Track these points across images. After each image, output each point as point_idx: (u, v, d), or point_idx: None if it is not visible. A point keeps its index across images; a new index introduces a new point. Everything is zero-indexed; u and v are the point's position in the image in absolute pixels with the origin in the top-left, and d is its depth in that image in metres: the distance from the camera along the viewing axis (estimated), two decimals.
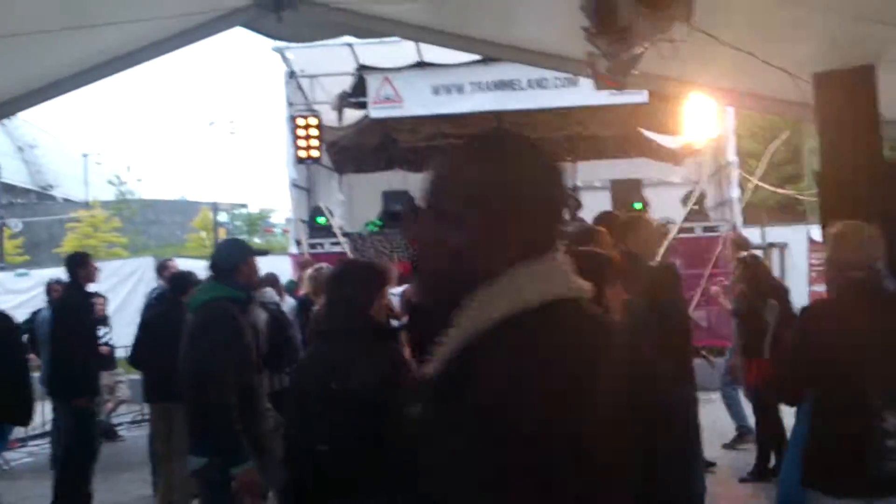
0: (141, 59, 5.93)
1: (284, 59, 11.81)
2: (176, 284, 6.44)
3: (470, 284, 1.19)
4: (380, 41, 10.34)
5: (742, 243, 7.48)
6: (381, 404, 2.84)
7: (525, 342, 1.09)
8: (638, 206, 10.92)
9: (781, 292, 6.52)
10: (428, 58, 11.14)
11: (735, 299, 6.82)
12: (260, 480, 3.56)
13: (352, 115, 12.21)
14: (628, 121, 11.53)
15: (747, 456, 6.80)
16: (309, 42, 10.55)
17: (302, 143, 11.51)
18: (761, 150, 13.08)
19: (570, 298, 1.18)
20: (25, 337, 7.01)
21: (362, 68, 11.55)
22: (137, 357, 6.41)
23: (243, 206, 47.60)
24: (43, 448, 8.69)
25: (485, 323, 1.14)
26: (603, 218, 4.88)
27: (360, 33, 9.47)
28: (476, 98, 11.39)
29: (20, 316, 7.28)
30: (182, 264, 8.76)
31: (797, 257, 12.92)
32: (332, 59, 11.46)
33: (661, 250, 9.21)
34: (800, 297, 7.63)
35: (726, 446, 7.38)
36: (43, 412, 7.01)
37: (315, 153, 11.62)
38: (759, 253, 8.03)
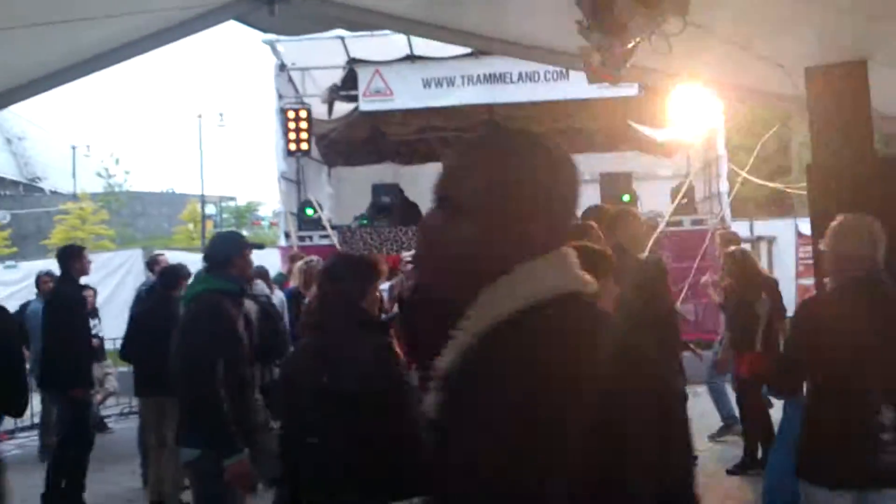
0: (135, 53, 5.90)
1: (275, 51, 11.76)
2: (166, 278, 6.43)
3: (481, 277, 1.19)
4: (371, 34, 10.32)
5: (730, 238, 7.51)
6: (372, 397, 2.85)
7: (547, 334, 1.10)
8: (627, 198, 10.95)
9: (772, 286, 6.56)
10: (419, 51, 11.13)
11: (725, 292, 6.86)
12: (251, 472, 3.56)
13: (342, 107, 12.18)
14: (619, 114, 11.55)
15: (734, 448, 6.85)
16: (300, 35, 10.55)
17: (292, 135, 11.49)
18: (751, 143, 13.11)
19: (581, 293, 1.20)
20: None
21: (353, 61, 11.53)
22: (128, 350, 6.39)
23: (231, 198, 47.49)
24: (31, 440, 8.66)
25: (500, 316, 1.15)
26: (591, 212, 4.89)
27: (352, 26, 9.47)
28: (467, 91, 11.39)
29: (9, 308, 7.24)
30: (172, 257, 8.72)
31: (785, 251, 13.01)
32: (322, 52, 11.43)
33: (650, 244, 9.25)
34: (787, 290, 7.68)
35: (712, 438, 7.43)
36: (31, 404, 6.99)
37: (305, 146, 11.61)
38: (747, 247, 8.07)
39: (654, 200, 11.59)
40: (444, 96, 11.44)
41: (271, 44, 11.60)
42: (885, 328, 2.83)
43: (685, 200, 10.83)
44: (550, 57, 6.67)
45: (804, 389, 3.20)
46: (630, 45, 3.64)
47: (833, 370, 2.87)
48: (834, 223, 3.07)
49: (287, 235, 11.59)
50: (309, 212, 11.70)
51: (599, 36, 3.53)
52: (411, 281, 6.23)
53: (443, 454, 1.14)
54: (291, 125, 11.46)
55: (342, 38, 11.10)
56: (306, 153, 11.80)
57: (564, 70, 10.16)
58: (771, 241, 12.83)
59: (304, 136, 11.50)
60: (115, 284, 13.76)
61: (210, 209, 39.28)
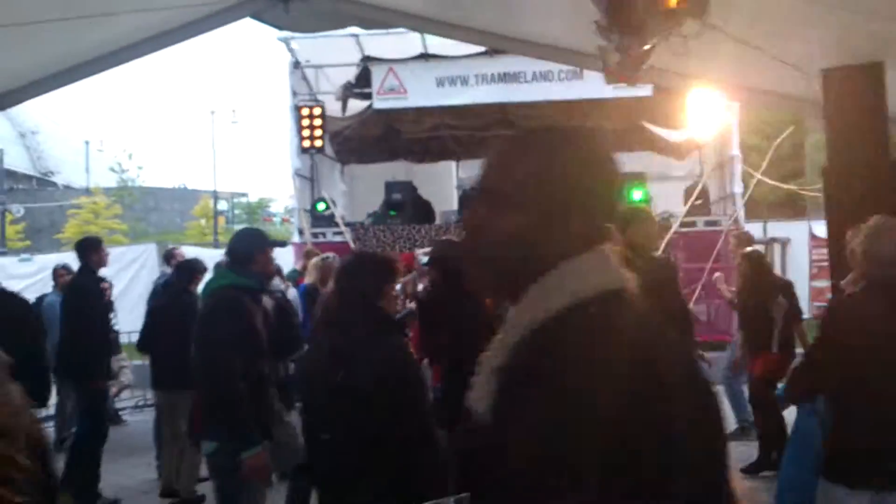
0: (152, 49, 5.96)
1: (290, 49, 11.80)
2: (182, 272, 6.48)
3: (526, 272, 1.19)
4: (385, 32, 10.33)
5: (745, 239, 7.50)
6: (385, 397, 2.86)
7: (597, 331, 1.10)
8: (640, 199, 10.93)
9: (787, 288, 6.55)
10: (433, 49, 11.14)
11: (739, 293, 6.84)
12: (268, 465, 3.60)
13: (356, 105, 12.22)
14: (632, 114, 11.54)
15: (749, 448, 6.84)
16: (314, 32, 10.58)
17: (306, 132, 11.54)
18: (764, 145, 13.08)
19: (624, 290, 1.20)
20: None
21: (367, 59, 11.56)
22: (145, 343, 6.45)
23: (243, 195, 47.66)
24: (47, 430, 8.75)
25: (549, 312, 1.14)
26: None
27: (366, 24, 9.49)
28: (480, 90, 11.40)
29: None
30: (185, 252, 8.79)
31: (798, 253, 12.97)
32: (336, 50, 11.47)
33: (663, 244, 9.25)
34: (800, 292, 7.66)
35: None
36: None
37: (319, 143, 11.66)
38: (760, 248, 8.05)
39: (667, 201, 11.57)
40: (457, 95, 11.46)
41: (286, 41, 11.65)
42: None
43: (700, 201, 10.81)
44: (565, 56, 6.69)
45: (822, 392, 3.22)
46: (647, 47, 3.66)
47: (863, 370, 2.87)
48: (869, 224, 3.07)
49: (300, 232, 11.63)
50: (320, 207, 11.74)
51: (618, 36, 3.54)
52: (426, 279, 6.24)
53: (493, 450, 1.11)
54: (305, 122, 11.51)
55: (356, 37, 11.13)
56: (320, 150, 11.85)
57: (579, 70, 10.16)
58: (784, 242, 12.79)
59: (317, 133, 11.55)
60: (129, 278, 13.87)
61: (222, 205, 39.45)
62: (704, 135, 10.70)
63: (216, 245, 25.36)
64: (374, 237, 11.28)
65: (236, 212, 44.76)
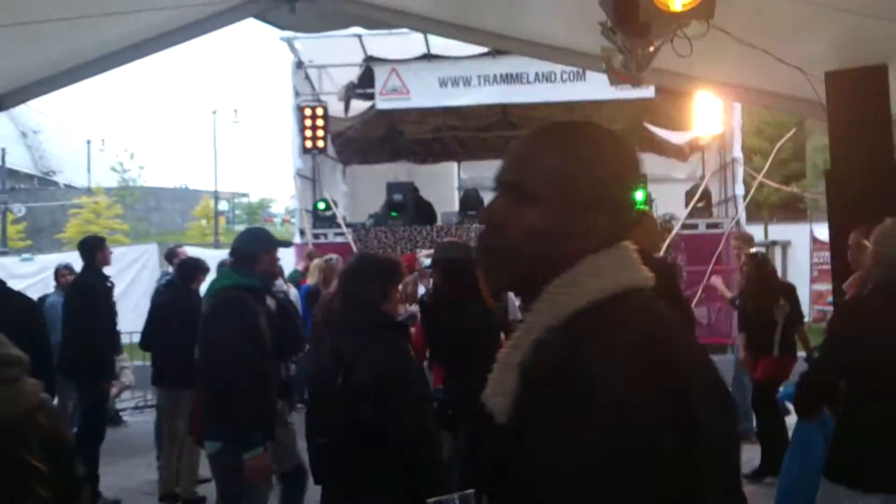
0: (155, 49, 5.96)
1: (293, 48, 11.80)
2: (184, 271, 6.48)
3: (546, 267, 1.17)
4: (388, 33, 10.35)
5: (748, 239, 7.51)
6: (384, 398, 2.86)
7: (627, 328, 1.08)
8: (641, 200, 10.93)
9: (789, 292, 6.54)
10: (435, 50, 11.15)
11: (741, 295, 6.83)
12: (269, 466, 3.60)
13: (358, 105, 12.22)
14: (635, 116, 11.54)
15: (750, 452, 6.82)
16: (318, 32, 10.59)
17: (308, 132, 11.54)
18: (767, 147, 13.09)
19: (645, 288, 1.19)
20: None
21: (370, 59, 11.55)
22: (147, 342, 6.45)
23: (244, 195, 47.72)
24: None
25: (572, 308, 1.13)
26: None
27: (370, 24, 9.50)
28: (483, 91, 11.40)
29: None
30: (189, 252, 8.78)
31: (799, 256, 12.97)
32: (340, 50, 11.47)
33: (664, 246, 9.25)
34: (801, 295, 7.65)
35: None
36: None
37: (321, 143, 11.66)
38: (761, 251, 8.05)
39: (668, 203, 11.57)
40: (460, 96, 11.46)
41: (289, 41, 11.64)
42: None
43: (702, 203, 10.80)
44: (569, 57, 6.68)
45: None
46: (652, 48, 3.66)
47: (871, 373, 2.87)
48: (883, 224, 3.07)
49: (302, 233, 11.63)
50: (321, 206, 11.74)
51: (623, 38, 3.54)
52: (427, 280, 6.24)
53: (513, 449, 1.09)
54: (308, 122, 11.52)
55: (359, 37, 11.13)
56: (322, 151, 11.85)
57: (581, 71, 10.17)
58: (785, 245, 12.79)
59: (320, 133, 11.56)
60: (130, 278, 13.87)
61: (223, 206, 39.50)
62: (707, 137, 10.71)
63: (217, 245, 25.37)
64: (376, 238, 11.27)
65: (237, 212, 44.81)
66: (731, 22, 4.12)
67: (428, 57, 11.28)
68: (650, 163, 12.85)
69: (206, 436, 3.67)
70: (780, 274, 9.42)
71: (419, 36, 10.57)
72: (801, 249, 12.91)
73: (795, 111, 7.45)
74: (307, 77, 12.23)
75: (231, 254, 3.89)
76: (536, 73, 11.10)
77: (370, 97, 11.74)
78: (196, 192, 42.31)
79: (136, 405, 10.29)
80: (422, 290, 6.64)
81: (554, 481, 1.02)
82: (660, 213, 10.54)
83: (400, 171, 13.69)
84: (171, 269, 7.63)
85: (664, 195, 11.96)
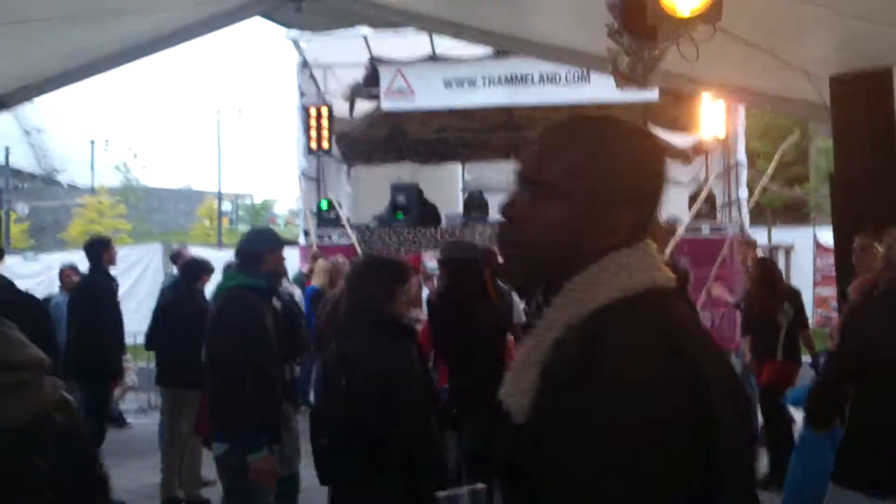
0: (161, 47, 5.98)
1: (298, 48, 11.78)
2: (188, 271, 6.49)
3: (567, 264, 1.15)
4: (394, 33, 10.36)
5: (754, 245, 7.52)
6: (384, 400, 2.86)
7: (651, 328, 1.07)
8: None
9: (794, 297, 6.53)
10: (440, 51, 11.15)
11: (746, 297, 6.82)
12: (275, 468, 3.59)
13: (363, 106, 12.22)
14: (638, 118, 11.53)
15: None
16: (323, 30, 10.61)
17: (313, 133, 11.54)
18: (768, 149, 13.09)
19: (667, 288, 1.17)
20: None
21: (375, 60, 11.55)
22: (152, 341, 6.47)
23: (247, 196, 47.77)
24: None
25: (594, 306, 1.11)
26: None
27: (376, 24, 9.52)
28: (488, 92, 11.39)
29: None
30: (193, 252, 8.80)
31: (802, 260, 12.95)
32: (345, 50, 11.44)
33: (668, 249, 9.24)
34: (804, 300, 7.64)
35: None
36: None
37: (325, 144, 11.65)
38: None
39: (671, 205, 11.56)
40: (465, 97, 11.46)
41: (295, 41, 11.63)
42: None
43: (707, 206, 10.79)
44: (574, 58, 6.70)
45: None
46: (658, 51, 3.67)
47: (882, 375, 2.87)
48: (894, 230, 3.09)
49: (306, 234, 11.64)
50: (323, 205, 11.76)
51: (629, 40, 3.55)
52: (431, 283, 6.26)
53: (533, 448, 1.07)
54: (313, 123, 11.52)
55: (365, 37, 11.13)
56: (327, 151, 11.85)
57: (585, 72, 10.18)
58: (789, 249, 12.77)
59: (325, 134, 11.55)
60: (134, 279, 13.89)
61: (226, 206, 39.54)
62: (710, 139, 10.70)
63: (220, 246, 25.39)
64: (380, 239, 11.27)
65: (240, 213, 44.87)
66: (736, 25, 4.13)
67: (433, 58, 11.29)
68: None
69: (212, 437, 3.67)
70: (784, 278, 9.41)
71: (424, 37, 10.57)
72: (804, 253, 12.89)
73: (799, 114, 7.47)
74: (312, 77, 12.21)
75: (237, 254, 3.90)
76: (541, 75, 11.09)
77: (375, 98, 11.74)
78: (199, 193, 42.38)
79: (139, 407, 10.28)
80: (425, 293, 6.65)
81: (572, 481, 1.00)
82: (663, 216, 10.53)
83: (404, 172, 13.69)
84: (176, 270, 7.64)
85: (667, 198, 11.92)
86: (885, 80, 4.63)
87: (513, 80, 11.24)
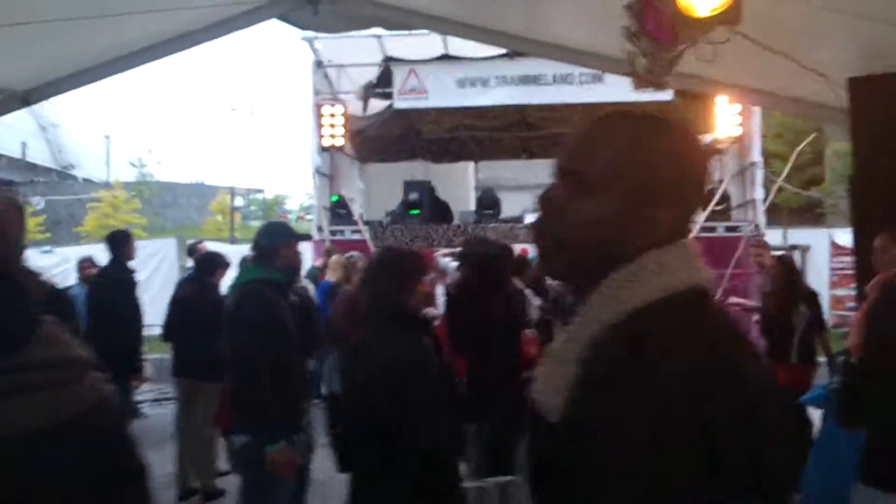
0: (180, 48, 6.01)
1: (313, 48, 11.86)
2: (203, 265, 6.55)
3: (604, 261, 1.13)
4: (408, 33, 10.38)
5: (768, 246, 7.48)
6: (395, 393, 2.88)
7: (687, 329, 1.04)
8: None
9: (812, 298, 6.48)
10: (454, 51, 11.18)
11: (764, 297, 6.77)
12: (293, 460, 3.63)
13: (376, 105, 12.28)
14: None
15: None
16: (338, 33, 10.64)
17: (327, 131, 11.62)
18: (786, 151, 13.04)
19: (707, 287, 1.14)
20: None
21: (389, 59, 11.60)
22: (168, 334, 6.54)
23: (259, 191, 47.89)
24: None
25: (634, 304, 1.08)
26: None
27: (390, 25, 9.53)
28: (501, 92, 11.42)
29: None
30: (209, 247, 8.86)
31: (818, 261, 12.90)
32: (359, 50, 11.51)
33: None
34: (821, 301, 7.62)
35: None
36: None
37: (339, 141, 11.73)
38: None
39: None
40: (477, 96, 11.49)
41: (310, 41, 11.71)
42: None
43: (721, 206, 10.76)
44: (589, 60, 6.69)
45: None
46: (677, 52, 3.67)
47: None
48: None
49: (319, 229, 11.71)
50: (335, 198, 11.85)
51: (646, 42, 3.56)
52: (445, 280, 6.29)
53: (571, 452, 1.04)
54: (326, 121, 11.60)
55: (379, 37, 11.18)
56: (340, 149, 11.92)
57: (599, 73, 10.16)
58: (805, 250, 12.72)
59: (338, 131, 11.64)
60: (148, 272, 13.98)
61: (238, 201, 39.68)
62: (725, 140, 10.67)
63: (232, 241, 25.51)
64: (392, 236, 11.31)
65: (252, 208, 44.99)
66: (752, 27, 4.13)
67: (446, 58, 11.31)
68: None
69: (233, 429, 3.71)
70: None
71: (438, 37, 10.61)
72: (820, 254, 12.84)
73: (815, 116, 7.43)
74: (326, 76, 12.29)
75: (253, 248, 3.93)
76: (554, 75, 11.11)
77: (388, 97, 11.80)
78: (212, 188, 42.52)
79: (154, 398, 10.37)
80: (439, 289, 6.67)
81: (612, 482, 0.98)
82: None
83: (416, 169, 13.74)
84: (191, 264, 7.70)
85: None
86: None
87: (526, 80, 11.26)
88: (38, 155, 42.66)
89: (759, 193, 10.99)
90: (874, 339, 3.13)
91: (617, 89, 9.07)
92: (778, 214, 13.68)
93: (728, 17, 3.18)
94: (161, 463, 7.11)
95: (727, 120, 10.22)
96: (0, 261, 1.23)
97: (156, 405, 10.16)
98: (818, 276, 12.18)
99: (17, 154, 39.72)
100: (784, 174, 10.08)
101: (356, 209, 12.14)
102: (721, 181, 11.78)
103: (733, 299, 7.82)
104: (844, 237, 12.27)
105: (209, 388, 5.91)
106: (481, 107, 11.66)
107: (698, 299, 1.11)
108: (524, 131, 12.93)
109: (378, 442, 2.92)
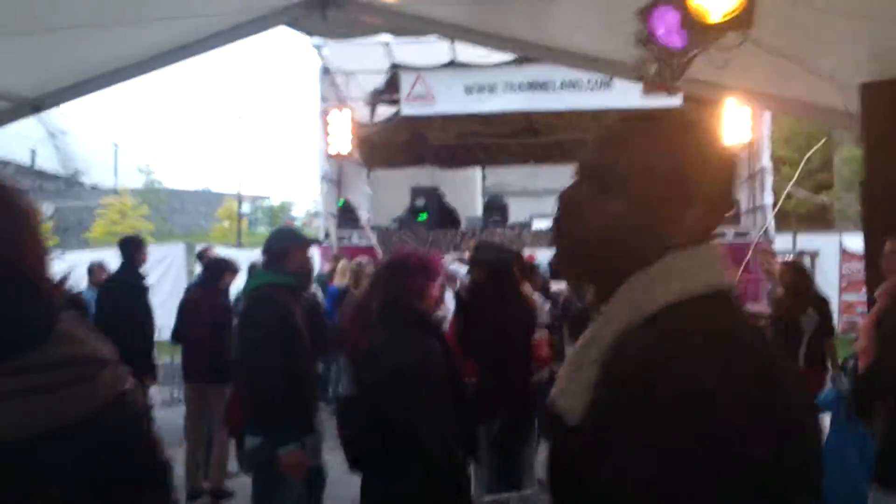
0: (190, 54, 6.03)
1: (321, 55, 11.88)
2: (211, 270, 6.58)
3: (626, 262, 1.10)
4: (415, 40, 10.41)
5: (772, 252, 7.46)
6: (399, 395, 2.89)
7: (717, 329, 1.03)
8: None
9: (822, 303, 6.45)
10: (461, 58, 11.19)
11: (774, 303, 6.75)
12: (305, 462, 3.63)
13: (383, 111, 12.29)
14: None
15: None
16: (345, 39, 10.68)
17: (334, 137, 11.62)
18: (795, 156, 13.00)
19: (731, 290, 1.12)
20: None
21: (396, 66, 11.62)
22: (177, 337, 6.56)
23: (265, 198, 48.00)
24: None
25: (656, 305, 1.06)
26: None
27: (398, 31, 9.56)
28: (508, 98, 11.41)
29: None
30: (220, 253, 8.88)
31: (828, 266, 12.85)
32: (366, 57, 11.53)
33: None
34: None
35: None
36: None
37: (346, 148, 11.73)
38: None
39: None
40: (485, 103, 11.49)
41: (318, 48, 11.72)
42: None
43: (730, 212, 10.72)
44: (597, 65, 6.68)
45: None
46: (688, 58, 3.67)
47: None
48: None
49: (326, 235, 11.73)
50: (340, 203, 11.87)
51: (658, 47, 3.55)
52: (455, 284, 6.28)
53: (594, 456, 1.01)
54: (333, 128, 11.60)
55: (387, 44, 11.20)
56: (347, 156, 11.93)
57: (607, 78, 10.16)
58: (814, 255, 12.69)
59: (345, 138, 11.63)
60: (157, 277, 14.01)
61: (245, 208, 39.78)
62: (735, 145, 10.64)
63: (239, 247, 25.58)
64: (400, 241, 11.32)
65: (258, 215, 45.11)
66: (764, 32, 4.12)
67: (453, 64, 11.32)
68: None
69: (245, 431, 3.71)
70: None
71: (445, 43, 10.61)
72: (829, 260, 12.79)
73: (825, 121, 7.41)
74: (334, 83, 12.30)
75: (264, 253, 3.95)
76: (562, 81, 11.09)
77: (396, 103, 11.80)
78: (219, 195, 42.64)
79: (162, 401, 10.38)
80: (448, 294, 6.67)
81: (632, 490, 0.96)
82: None
83: (423, 176, 13.76)
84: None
85: None
86: None
87: (533, 86, 11.25)
88: (47, 162, 42.82)
89: (768, 199, 10.96)
90: (885, 343, 3.11)
91: (625, 95, 9.10)
92: (787, 220, 13.62)
93: (741, 22, 3.17)
94: (173, 465, 7.13)
95: (736, 125, 10.18)
96: (14, 261, 1.23)
97: (164, 408, 10.17)
98: (827, 281, 12.12)
99: (26, 161, 39.89)
100: (794, 179, 10.02)
101: (363, 215, 12.16)
102: None
103: (750, 307, 7.79)
104: (854, 242, 12.23)
105: (216, 390, 5.94)
106: (488, 113, 11.66)
107: (722, 302, 1.09)
108: (531, 137, 12.94)
109: (386, 445, 2.91)
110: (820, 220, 17.86)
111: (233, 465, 5.91)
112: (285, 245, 3.86)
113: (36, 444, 1.13)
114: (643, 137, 1.15)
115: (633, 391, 0.99)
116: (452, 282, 7.04)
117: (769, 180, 11.08)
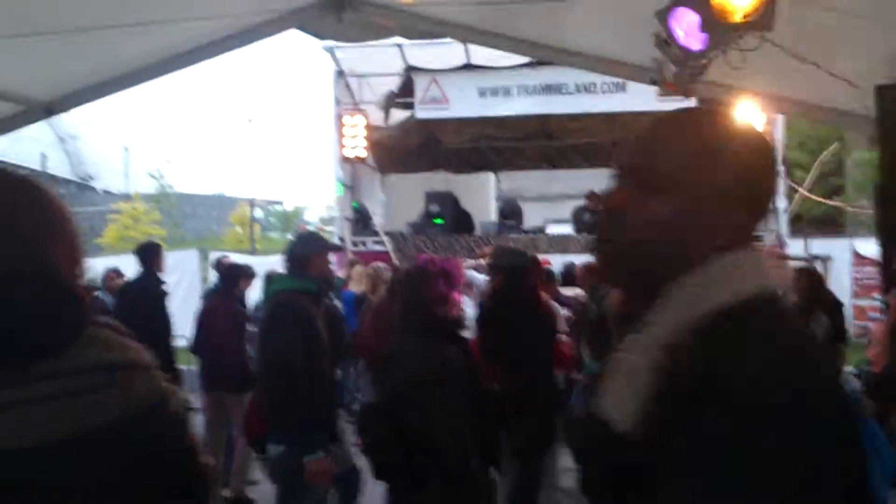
0: (202, 58, 6.03)
1: (334, 58, 11.90)
2: (227, 277, 6.59)
3: (670, 264, 1.07)
4: (429, 42, 10.41)
5: (784, 256, 7.43)
6: (418, 404, 2.90)
7: (776, 333, 1.00)
8: None
9: (834, 308, 6.42)
10: (476, 60, 11.18)
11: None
12: (330, 469, 3.63)
13: (397, 114, 12.30)
14: None
15: None
16: (359, 42, 10.68)
17: (348, 141, 11.66)
18: (808, 160, 12.96)
19: (777, 293, 1.09)
20: None
21: (410, 69, 11.62)
22: (195, 347, 6.57)
23: (278, 202, 48.14)
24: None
25: (703, 311, 1.02)
26: None
27: (411, 34, 9.56)
28: (523, 101, 11.40)
29: None
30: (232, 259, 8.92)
31: (840, 270, 12.78)
32: (380, 60, 11.54)
33: None
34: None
35: None
36: None
37: (361, 152, 11.77)
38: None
39: None
40: (499, 106, 11.48)
41: (331, 51, 11.75)
42: None
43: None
44: (613, 68, 6.67)
45: None
46: (706, 60, 3.67)
47: None
48: None
49: (341, 240, 11.75)
50: (354, 206, 11.89)
51: (676, 49, 3.56)
52: (472, 291, 6.30)
53: (648, 465, 0.98)
54: (348, 131, 11.64)
55: (400, 46, 11.21)
56: (362, 160, 11.96)
57: (622, 81, 10.15)
58: (826, 260, 12.62)
59: (360, 142, 11.68)
60: (171, 284, 14.05)
61: (258, 213, 39.91)
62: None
63: (252, 252, 25.64)
64: (414, 247, 11.33)
65: (271, 220, 45.24)
66: (780, 35, 4.12)
67: (468, 67, 11.32)
68: None
69: (268, 439, 3.71)
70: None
71: (459, 46, 10.61)
72: (841, 264, 12.73)
73: (840, 124, 7.38)
74: (347, 86, 12.33)
75: (285, 258, 3.96)
76: (576, 84, 11.08)
77: (410, 106, 11.81)
78: (231, 199, 42.79)
79: None
80: (465, 300, 6.68)
81: (693, 495, 0.92)
82: None
83: (437, 180, 13.75)
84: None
85: None
86: None
87: (548, 89, 11.23)
88: (58, 167, 43.03)
89: (781, 203, 10.92)
90: None
91: (639, 98, 9.07)
92: (799, 224, 13.56)
93: (761, 24, 3.17)
94: (213, 471, 7.14)
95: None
96: (48, 263, 1.24)
97: None
98: (840, 286, 12.07)
99: (37, 166, 40.12)
100: (807, 183, 9.98)
101: (377, 220, 12.17)
102: None
103: None
104: (866, 247, 12.17)
105: (236, 399, 5.94)
106: (503, 116, 11.64)
107: (774, 305, 1.06)
108: (546, 141, 12.90)
109: (406, 453, 2.92)
110: (832, 224, 17.78)
111: (253, 473, 5.94)
112: (307, 251, 3.87)
113: (59, 449, 1.12)
114: (688, 134, 1.12)
115: (691, 403, 0.95)
116: (469, 289, 7.05)
117: (782, 185, 11.04)
